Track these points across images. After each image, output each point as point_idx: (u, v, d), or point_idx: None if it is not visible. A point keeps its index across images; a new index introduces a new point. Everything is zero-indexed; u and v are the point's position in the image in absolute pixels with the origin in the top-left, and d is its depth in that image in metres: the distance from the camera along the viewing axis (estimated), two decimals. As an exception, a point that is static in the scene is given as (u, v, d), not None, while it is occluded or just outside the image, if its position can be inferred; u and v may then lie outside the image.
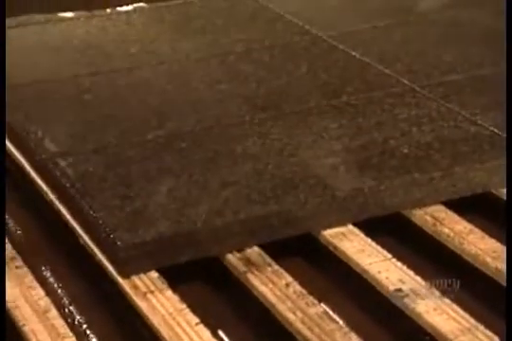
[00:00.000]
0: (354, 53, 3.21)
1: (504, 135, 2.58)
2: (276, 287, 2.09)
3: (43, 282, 2.18)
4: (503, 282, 2.12)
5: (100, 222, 2.21)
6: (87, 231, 2.27)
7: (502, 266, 2.14)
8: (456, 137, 2.60)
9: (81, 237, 2.29)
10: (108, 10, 3.71)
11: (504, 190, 2.43)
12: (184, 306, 2.03)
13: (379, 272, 2.14)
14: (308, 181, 2.37)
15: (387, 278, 2.12)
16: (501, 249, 2.22)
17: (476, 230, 2.30)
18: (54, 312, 2.05)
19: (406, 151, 2.53)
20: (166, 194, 2.31)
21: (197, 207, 2.25)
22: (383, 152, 2.52)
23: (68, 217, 2.36)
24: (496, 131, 2.61)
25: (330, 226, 2.30)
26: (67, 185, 2.37)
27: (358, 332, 1.96)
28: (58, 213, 2.40)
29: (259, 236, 2.24)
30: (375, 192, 2.35)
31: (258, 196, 2.30)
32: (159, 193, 2.32)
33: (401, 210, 2.39)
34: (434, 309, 2.01)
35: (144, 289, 2.07)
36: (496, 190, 2.46)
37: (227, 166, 2.46)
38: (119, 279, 2.12)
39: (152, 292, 2.07)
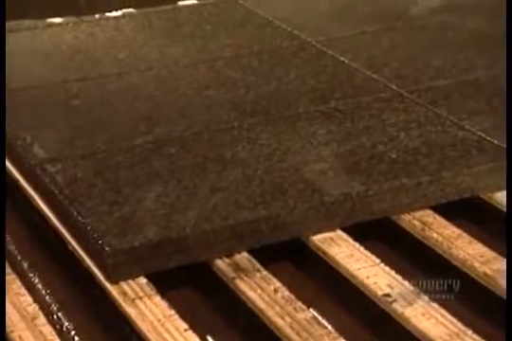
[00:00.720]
0: (342, 58, 3.22)
1: (493, 140, 2.58)
2: (264, 292, 2.09)
3: (31, 289, 2.17)
4: (492, 287, 2.12)
5: (89, 228, 2.20)
6: (76, 237, 2.27)
7: (490, 271, 2.15)
8: (444, 142, 2.60)
9: (69, 243, 2.28)
10: (97, 16, 3.71)
11: (494, 195, 2.44)
12: (173, 312, 2.02)
13: (368, 277, 2.14)
14: (297, 186, 2.37)
15: (375, 283, 2.12)
16: (489, 254, 2.22)
17: (464, 235, 2.31)
18: (42, 318, 2.04)
19: (394, 156, 2.53)
20: (155, 200, 2.31)
21: (186, 213, 2.25)
22: (371, 157, 2.52)
23: (57, 223, 2.35)
24: (483, 135, 2.61)
25: (319, 231, 2.30)
26: (56, 191, 2.37)
27: (347, 338, 1.96)
28: (46, 219, 2.40)
29: (248, 241, 2.24)
30: (364, 197, 2.35)
31: (247, 201, 2.30)
32: (148, 199, 2.31)
33: (389, 215, 2.39)
34: (422, 314, 2.01)
35: (133, 295, 2.07)
36: (484, 195, 2.47)
37: (216, 171, 2.46)
38: (108, 285, 2.11)
39: (140, 298, 2.06)
